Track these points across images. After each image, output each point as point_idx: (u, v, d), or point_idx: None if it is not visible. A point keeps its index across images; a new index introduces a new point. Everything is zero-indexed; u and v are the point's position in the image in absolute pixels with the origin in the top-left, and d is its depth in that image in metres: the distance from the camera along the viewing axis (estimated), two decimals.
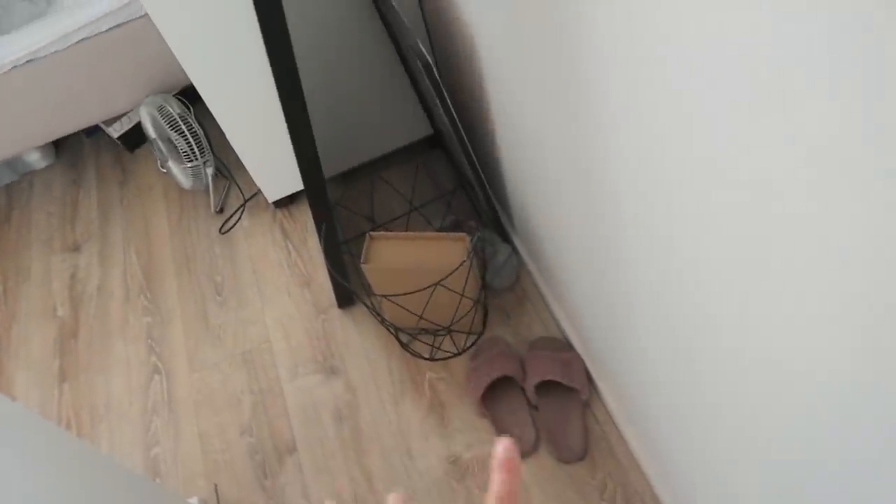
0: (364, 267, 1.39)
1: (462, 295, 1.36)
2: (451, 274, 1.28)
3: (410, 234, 1.41)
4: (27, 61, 1.80)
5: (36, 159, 2.26)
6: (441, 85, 1.24)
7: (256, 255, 1.88)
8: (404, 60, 1.62)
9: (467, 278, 1.35)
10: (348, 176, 1.95)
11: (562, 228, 1.22)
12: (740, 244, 0.58)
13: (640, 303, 0.94)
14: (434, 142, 1.95)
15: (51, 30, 1.76)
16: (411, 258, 1.38)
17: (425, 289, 1.29)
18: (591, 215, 0.99)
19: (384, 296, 1.33)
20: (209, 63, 1.50)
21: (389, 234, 1.42)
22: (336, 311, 1.70)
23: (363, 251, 1.41)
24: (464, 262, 1.30)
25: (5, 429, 0.89)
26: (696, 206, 0.63)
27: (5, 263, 2.06)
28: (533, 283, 1.63)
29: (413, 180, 1.87)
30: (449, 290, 1.33)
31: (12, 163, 2.25)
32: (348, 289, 1.48)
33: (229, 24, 1.44)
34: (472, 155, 1.39)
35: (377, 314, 1.47)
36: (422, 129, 1.87)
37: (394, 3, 1.30)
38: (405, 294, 1.27)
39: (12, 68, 1.80)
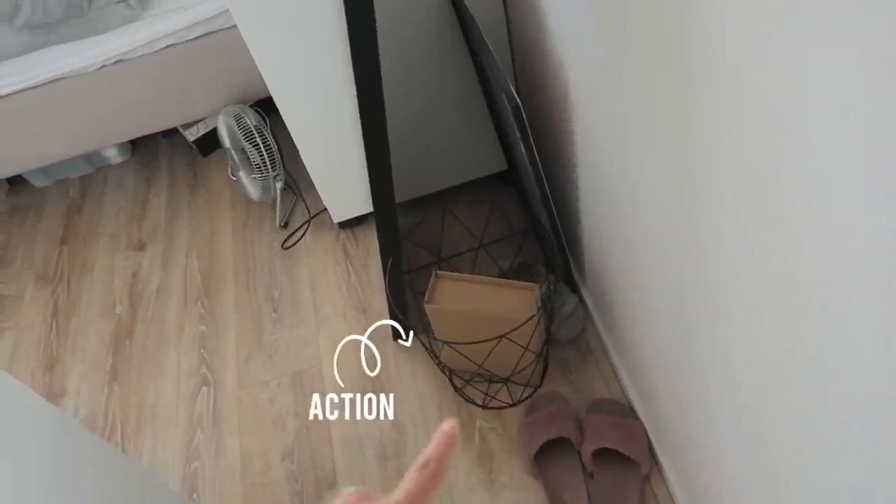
0: (427, 306, 1.34)
1: (526, 349, 1.30)
2: (518, 328, 1.22)
3: (478, 277, 1.36)
4: (116, 62, 1.83)
5: (113, 154, 2.30)
6: (528, 128, 1.18)
7: (316, 274, 1.86)
8: (486, 92, 1.58)
9: (533, 333, 1.29)
10: (416, 204, 1.91)
11: (640, 290, 1.15)
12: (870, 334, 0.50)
13: (721, 382, 0.86)
14: (507, 178, 1.89)
15: (142, 34, 1.78)
16: (477, 303, 1.33)
17: (489, 340, 1.24)
18: (679, 286, 0.92)
19: (445, 342, 1.27)
20: (290, 78, 1.48)
21: (456, 274, 1.37)
22: (390, 343, 1.66)
23: (428, 289, 1.36)
24: (532, 316, 1.24)
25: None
26: (813, 313, 0.56)
27: (73, 255, 2.09)
28: (598, 339, 1.55)
29: (486, 219, 1.83)
30: (514, 342, 1.27)
31: (89, 156, 2.29)
32: (407, 326, 1.43)
33: (315, 40, 1.43)
34: (550, 200, 1.33)
35: (434, 355, 1.42)
36: (496, 164, 1.82)
37: (482, 34, 1.26)
38: (467, 344, 1.21)
39: (102, 67, 1.84)
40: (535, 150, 1.23)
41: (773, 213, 0.60)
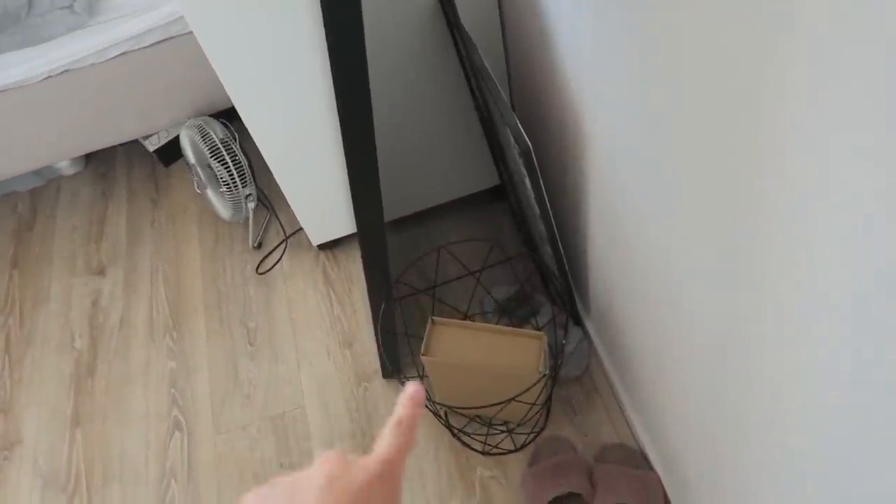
0: (424, 359, 1.22)
1: (533, 404, 1.19)
2: (526, 391, 1.11)
3: (478, 324, 1.23)
4: (63, 72, 1.64)
5: (64, 165, 2.11)
6: (538, 171, 1.06)
7: (295, 301, 1.72)
8: (479, 107, 1.44)
9: (542, 390, 1.17)
10: (402, 223, 1.77)
11: (652, 325, 1.05)
12: None
13: (742, 430, 0.76)
14: (498, 194, 1.76)
15: (90, 41, 1.59)
16: (478, 355, 1.21)
17: (494, 405, 1.12)
18: (694, 323, 0.82)
19: (445, 406, 1.16)
20: (256, 88, 1.32)
21: (454, 321, 1.25)
22: (380, 381, 1.54)
23: (424, 340, 1.23)
24: (543, 376, 1.12)
25: None
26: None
27: (25, 280, 1.91)
28: (605, 376, 1.45)
29: (481, 245, 1.70)
30: (521, 402, 1.16)
31: (39, 168, 2.09)
32: (400, 378, 1.31)
33: (281, 45, 1.26)
34: (557, 238, 1.21)
35: (429, 402, 1.30)
36: (488, 179, 1.69)
37: (483, 59, 1.11)
38: (468, 407, 1.09)
39: (47, 77, 1.64)
40: (544, 192, 1.10)
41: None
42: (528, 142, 1.02)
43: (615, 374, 1.40)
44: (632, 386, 1.31)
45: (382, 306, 1.23)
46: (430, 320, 1.25)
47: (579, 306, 1.49)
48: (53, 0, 1.48)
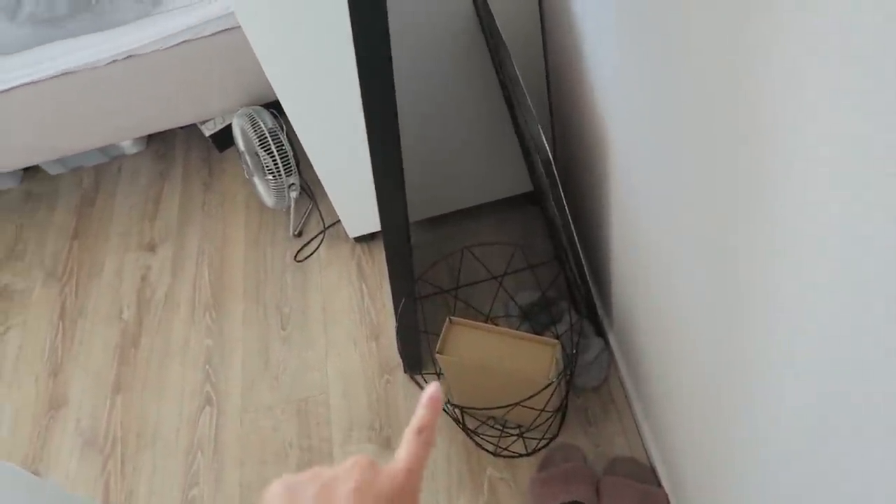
0: (439, 357, 1.25)
1: (542, 410, 1.20)
2: (533, 396, 1.12)
3: (495, 327, 1.25)
4: (127, 57, 1.74)
5: (127, 145, 2.22)
6: (558, 180, 1.06)
7: (328, 291, 1.77)
8: (513, 114, 1.45)
9: (552, 396, 1.18)
10: (433, 223, 1.80)
11: (670, 345, 1.04)
12: None
13: (757, 455, 0.75)
14: (533, 198, 1.77)
15: (154, 29, 1.68)
16: (492, 357, 1.23)
17: (502, 407, 1.14)
18: (713, 348, 0.81)
19: (456, 406, 1.18)
20: (299, 85, 1.37)
21: (471, 322, 1.27)
22: (401, 375, 1.57)
23: (440, 338, 1.26)
24: (550, 383, 1.13)
25: None
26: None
27: (83, 252, 2.03)
28: (622, 389, 1.44)
29: (508, 249, 1.71)
30: (529, 408, 1.17)
31: (104, 146, 2.21)
32: (417, 374, 1.34)
33: (323, 41, 1.31)
34: (577, 246, 1.22)
35: (447, 403, 1.33)
36: (522, 184, 1.70)
37: (515, 68, 1.13)
38: (481, 407, 1.11)
39: (112, 61, 1.74)
40: (564, 200, 1.11)
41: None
42: (549, 152, 1.03)
43: (632, 388, 1.39)
44: (647, 401, 1.31)
45: (402, 302, 1.26)
46: (448, 320, 1.28)
47: (602, 317, 1.48)
48: None
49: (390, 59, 0.90)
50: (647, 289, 1.07)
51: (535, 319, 1.49)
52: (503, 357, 1.22)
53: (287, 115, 1.43)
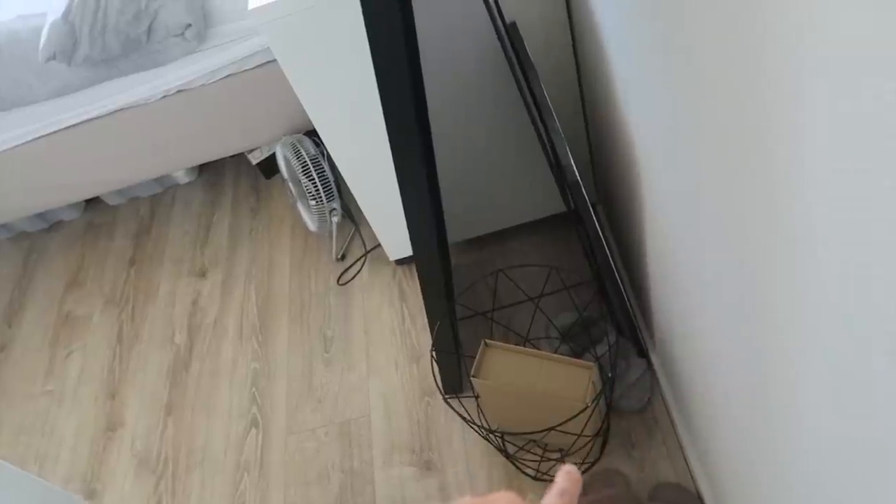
0: (473, 380, 1.24)
1: (579, 435, 1.18)
2: (569, 420, 1.10)
3: (531, 350, 1.24)
4: (177, 91, 1.81)
5: (180, 175, 2.31)
6: (588, 203, 1.05)
7: (370, 313, 1.79)
8: (539, 131, 1.44)
9: (588, 420, 1.16)
10: (469, 244, 1.80)
11: (715, 366, 1.01)
12: None
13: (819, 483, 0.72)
14: (569, 218, 1.75)
15: (200, 65, 1.75)
16: (527, 379, 1.22)
17: (537, 432, 1.13)
18: (756, 372, 0.78)
19: (492, 431, 1.17)
20: (333, 113, 1.41)
21: (507, 346, 1.26)
22: (441, 398, 1.57)
23: (476, 361, 1.26)
24: (585, 407, 1.11)
25: None
26: None
27: (140, 278, 2.12)
28: (666, 412, 1.40)
29: (544, 271, 1.70)
30: (565, 433, 1.15)
31: (159, 176, 2.31)
32: (453, 396, 1.34)
33: (356, 71, 1.34)
34: (615, 270, 1.20)
35: (482, 428, 1.32)
36: (556, 205, 1.69)
37: (545, 92, 1.13)
38: (521, 433, 1.10)
39: (163, 97, 1.82)
40: (596, 220, 1.10)
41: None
42: (576, 173, 1.02)
43: (677, 410, 1.35)
44: (692, 424, 1.27)
45: (438, 325, 1.27)
46: (483, 343, 1.27)
47: (644, 338, 1.45)
48: (168, 29, 1.64)
49: (411, 90, 0.92)
50: (686, 310, 1.05)
51: (575, 341, 1.47)
52: (538, 380, 1.21)
53: (324, 141, 1.46)
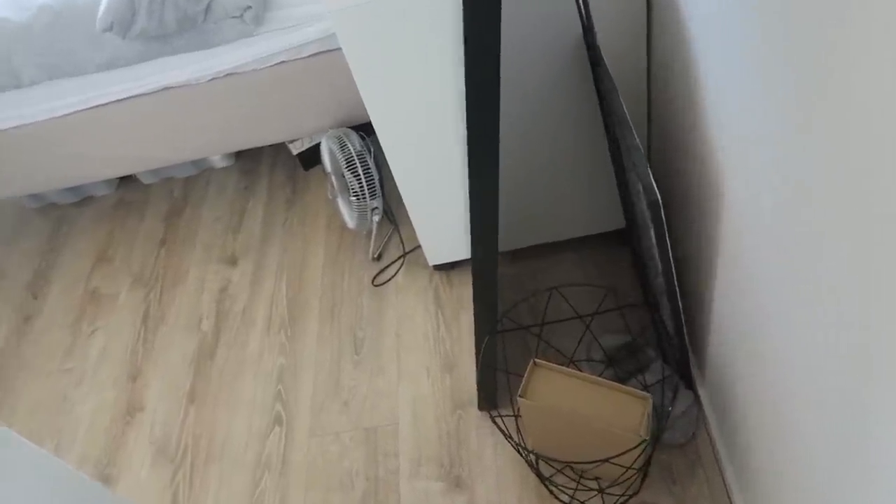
0: (521, 400, 1.19)
1: (628, 468, 1.13)
2: (623, 454, 1.05)
3: (580, 374, 1.19)
4: (227, 75, 1.78)
5: (216, 158, 2.27)
6: (665, 226, 1.00)
7: (404, 317, 1.74)
8: (612, 147, 1.39)
9: (640, 455, 1.11)
10: (517, 255, 1.75)
11: (776, 414, 0.96)
12: None
13: None
14: (624, 237, 1.70)
15: (254, 49, 1.71)
16: (577, 404, 1.16)
17: (588, 463, 1.07)
18: (842, 438, 0.73)
19: (537, 454, 1.12)
20: (393, 106, 1.36)
21: (556, 367, 1.21)
22: (474, 412, 1.52)
23: (524, 381, 1.21)
24: (643, 441, 1.06)
25: None
26: None
27: (169, 260, 2.08)
28: (712, 449, 1.35)
29: (596, 291, 1.64)
30: (616, 465, 1.10)
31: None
32: (499, 424, 1.29)
33: (423, 66, 1.30)
34: (678, 297, 1.14)
35: (520, 447, 1.27)
36: (613, 221, 1.64)
37: (622, 102, 1.08)
38: (563, 461, 1.05)
39: (212, 79, 1.79)
40: (669, 247, 1.04)
41: None
42: (658, 194, 0.97)
43: (723, 448, 1.30)
44: (742, 467, 1.21)
45: (486, 340, 1.22)
46: (532, 362, 1.22)
47: (693, 369, 1.40)
48: (227, 9, 1.60)
49: (498, 86, 0.87)
50: (755, 352, 0.99)
51: (620, 365, 1.42)
52: (590, 407, 1.15)
53: (378, 137, 1.42)
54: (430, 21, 1.22)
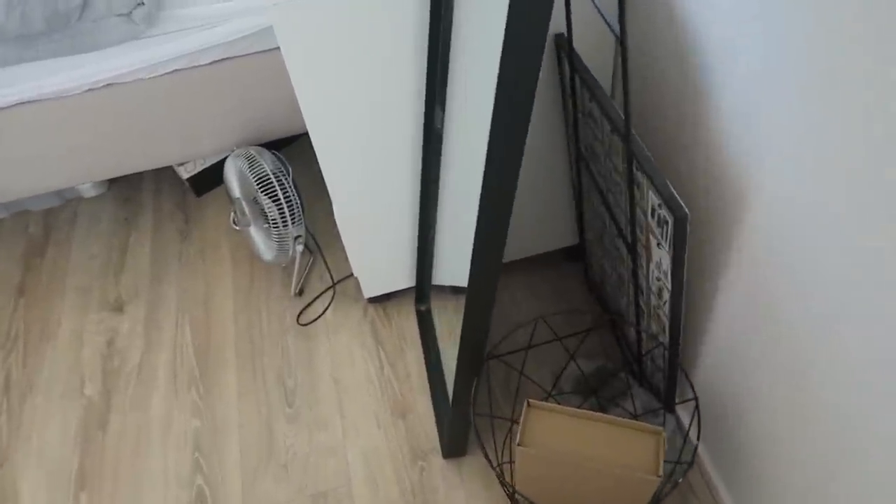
0: (521, 450, 1.04)
1: None
2: (643, 500, 0.93)
3: (580, 411, 1.06)
4: (106, 85, 1.48)
5: (86, 187, 1.93)
6: (686, 245, 0.90)
7: (340, 359, 1.53)
8: (578, 159, 1.29)
9: (654, 496, 1.00)
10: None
11: (792, 443, 0.88)
12: None
13: None
14: (574, 253, 1.61)
15: (143, 54, 1.44)
16: (584, 447, 1.03)
17: None
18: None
19: (528, 500, 0.97)
20: (337, 116, 1.17)
21: (552, 406, 1.07)
22: (439, 461, 1.35)
23: (521, 426, 1.06)
24: (660, 477, 0.94)
25: None
26: None
27: (32, 312, 1.71)
28: (703, 478, 1.27)
29: (563, 323, 1.53)
30: None
31: None
32: (501, 482, 1.13)
33: (376, 73, 1.13)
34: (682, 320, 1.05)
35: (508, 489, 1.11)
36: (566, 238, 1.54)
37: (629, 116, 0.97)
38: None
39: (88, 90, 1.48)
40: (686, 266, 0.94)
41: None
42: (686, 208, 0.86)
43: (719, 478, 1.22)
44: (740, 491, 1.14)
45: (475, 381, 1.05)
46: (525, 403, 1.07)
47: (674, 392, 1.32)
48: (111, 5, 1.32)
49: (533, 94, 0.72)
50: (755, 372, 0.92)
51: (601, 395, 1.31)
52: (598, 449, 1.03)
53: (317, 152, 1.22)
54: (386, 18, 1.05)
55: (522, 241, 1.51)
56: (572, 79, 1.10)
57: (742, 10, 0.80)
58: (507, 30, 0.68)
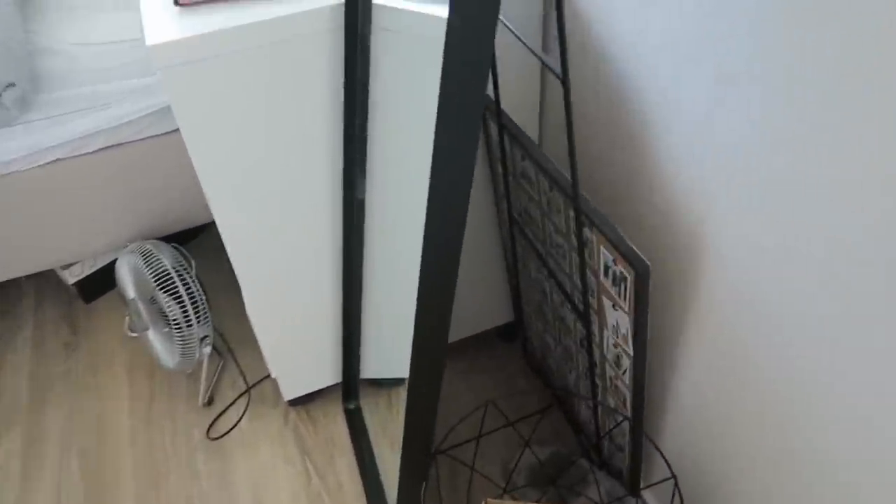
0: None
1: None
2: None
3: None
4: None
5: None
6: (648, 303, 0.81)
7: (261, 475, 1.33)
8: (511, 230, 1.21)
9: None
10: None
11: None
12: None
13: None
14: (508, 332, 1.50)
15: (17, 143, 1.27)
16: None
17: None
18: None
19: None
20: (244, 202, 1.04)
21: (513, 503, 0.93)
22: None
23: None
24: None
25: None
26: None
27: None
28: None
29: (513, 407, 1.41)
30: None
31: None
32: None
33: (288, 154, 1.02)
34: (644, 395, 0.95)
35: None
36: (500, 316, 1.44)
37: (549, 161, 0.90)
38: None
39: None
40: (647, 328, 0.86)
41: None
42: (647, 260, 0.78)
43: None
44: None
45: (424, 488, 0.90)
46: (483, 503, 0.93)
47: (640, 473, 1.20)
48: None
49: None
50: (752, 454, 0.83)
51: (560, 484, 1.17)
52: None
53: (224, 240, 1.08)
54: (295, 78, 0.95)
55: (454, 322, 1.39)
56: (501, 139, 1.04)
57: (673, 47, 0.75)
58: (441, 103, 0.59)
